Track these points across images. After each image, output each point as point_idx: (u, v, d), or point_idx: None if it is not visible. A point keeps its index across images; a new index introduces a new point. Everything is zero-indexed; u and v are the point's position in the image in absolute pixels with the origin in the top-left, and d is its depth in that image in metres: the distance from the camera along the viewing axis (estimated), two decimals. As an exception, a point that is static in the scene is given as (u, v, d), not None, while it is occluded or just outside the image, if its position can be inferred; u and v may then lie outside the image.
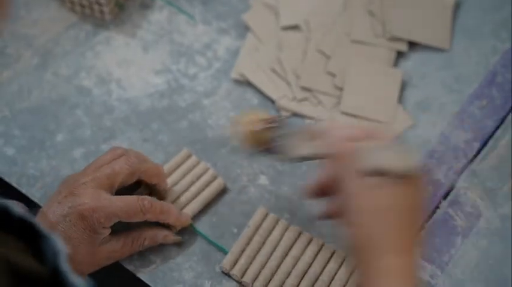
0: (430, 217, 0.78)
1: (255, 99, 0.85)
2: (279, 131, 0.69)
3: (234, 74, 0.86)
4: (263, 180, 0.79)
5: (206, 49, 0.88)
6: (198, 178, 0.77)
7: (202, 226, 0.76)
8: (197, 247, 0.75)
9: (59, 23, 0.88)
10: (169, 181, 0.76)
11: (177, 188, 0.76)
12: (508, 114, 0.84)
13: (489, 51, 0.88)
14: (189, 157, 0.79)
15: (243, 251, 0.73)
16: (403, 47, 0.87)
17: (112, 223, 0.69)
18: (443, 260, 0.76)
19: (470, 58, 0.88)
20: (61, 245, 0.46)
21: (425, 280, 0.74)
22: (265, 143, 0.69)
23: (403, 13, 0.88)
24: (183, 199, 0.76)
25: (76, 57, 0.86)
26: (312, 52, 0.86)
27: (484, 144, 0.82)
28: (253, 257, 0.73)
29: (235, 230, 0.76)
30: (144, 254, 0.74)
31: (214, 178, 0.78)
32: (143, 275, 0.74)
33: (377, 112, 0.83)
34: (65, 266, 0.45)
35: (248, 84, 0.85)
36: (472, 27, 0.90)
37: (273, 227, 0.75)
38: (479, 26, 0.90)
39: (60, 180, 0.78)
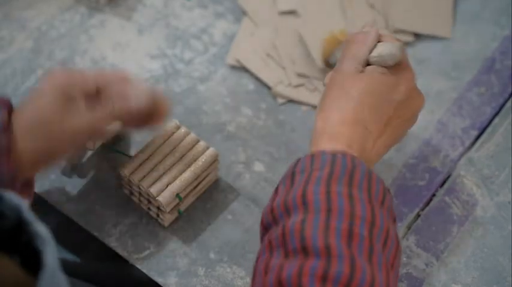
0: (426, 205, 0.78)
1: (251, 85, 0.84)
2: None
3: (229, 60, 0.85)
4: (258, 167, 0.79)
5: (202, 33, 0.87)
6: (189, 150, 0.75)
7: (195, 211, 0.76)
8: (191, 233, 0.75)
9: (53, 5, 0.87)
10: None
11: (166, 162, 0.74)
12: (506, 101, 0.83)
13: (488, 37, 0.87)
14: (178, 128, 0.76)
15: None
16: (409, 38, 0.86)
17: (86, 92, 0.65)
18: (439, 249, 0.75)
19: (469, 45, 0.87)
20: (18, 199, 0.46)
21: (421, 268, 0.74)
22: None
23: (405, 4, 0.87)
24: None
25: (70, 41, 0.85)
26: (308, 38, 0.85)
27: (482, 132, 0.82)
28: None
29: (229, 217, 0.76)
30: (137, 241, 0.74)
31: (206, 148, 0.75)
32: (137, 261, 0.73)
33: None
34: (29, 216, 0.46)
35: (244, 69, 0.85)
36: (472, 14, 0.89)
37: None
38: (479, 12, 0.89)
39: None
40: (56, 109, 0.63)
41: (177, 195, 0.72)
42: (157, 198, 0.71)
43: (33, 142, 0.62)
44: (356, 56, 0.67)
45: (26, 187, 0.65)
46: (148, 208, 0.75)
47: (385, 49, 0.66)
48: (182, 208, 0.75)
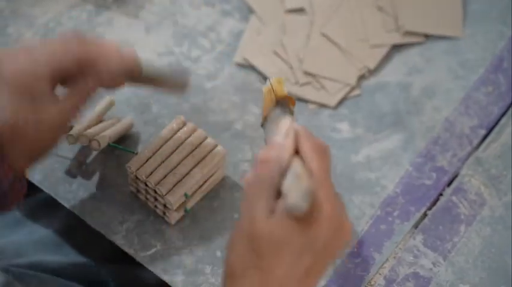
0: (433, 204, 0.77)
1: (258, 83, 0.84)
2: (275, 112, 0.65)
3: (237, 58, 0.85)
4: (265, 165, 0.78)
5: (209, 31, 0.87)
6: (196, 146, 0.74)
7: (202, 209, 0.76)
8: (198, 231, 0.75)
9: (60, 2, 0.87)
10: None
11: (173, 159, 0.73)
12: (514, 101, 0.83)
13: (496, 36, 0.87)
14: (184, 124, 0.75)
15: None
16: (421, 39, 0.86)
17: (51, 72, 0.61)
18: (446, 248, 0.75)
19: (476, 43, 0.87)
20: None
21: (428, 267, 0.74)
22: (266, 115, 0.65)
23: (414, 6, 0.87)
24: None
25: (77, 38, 0.85)
26: (315, 36, 0.85)
27: (489, 131, 0.82)
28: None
29: (235, 215, 0.76)
30: (144, 239, 0.74)
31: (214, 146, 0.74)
32: (143, 259, 0.73)
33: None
34: None
35: (251, 67, 0.85)
36: (479, 12, 0.88)
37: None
38: (486, 11, 0.89)
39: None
40: (23, 110, 0.59)
41: (185, 193, 0.72)
42: (165, 196, 0.71)
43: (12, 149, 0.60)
44: (267, 189, 0.54)
45: (17, 183, 0.64)
46: (155, 206, 0.74)
47: (292, 194, 0.52)
48: (189, 206, 0.74)
